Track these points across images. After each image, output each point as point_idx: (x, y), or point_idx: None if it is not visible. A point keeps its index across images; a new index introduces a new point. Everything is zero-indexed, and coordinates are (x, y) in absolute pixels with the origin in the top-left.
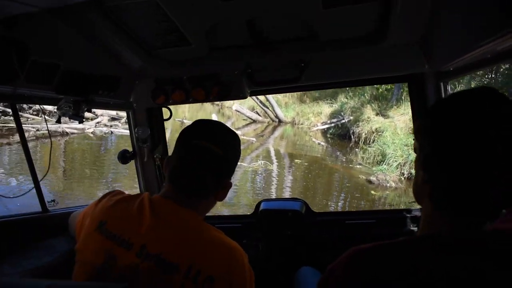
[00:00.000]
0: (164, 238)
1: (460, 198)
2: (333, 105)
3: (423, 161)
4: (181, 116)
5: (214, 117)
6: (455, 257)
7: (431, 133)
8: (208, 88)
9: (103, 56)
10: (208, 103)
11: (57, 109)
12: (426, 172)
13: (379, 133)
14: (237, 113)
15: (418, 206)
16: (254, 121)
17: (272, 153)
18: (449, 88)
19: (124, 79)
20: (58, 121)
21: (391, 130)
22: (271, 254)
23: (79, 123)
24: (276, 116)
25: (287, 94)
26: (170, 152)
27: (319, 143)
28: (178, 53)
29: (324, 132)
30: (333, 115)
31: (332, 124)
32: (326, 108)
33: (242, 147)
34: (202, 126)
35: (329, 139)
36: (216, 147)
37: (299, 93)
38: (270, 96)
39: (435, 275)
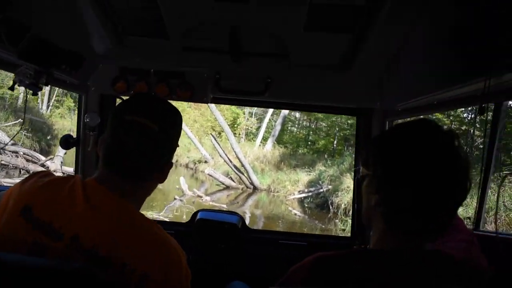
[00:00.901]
0: (98, 230)
1: (410, 217)
2: (311, 173)
3: (377, 184)
4: None
5: (182, 181)
6: (399, 269)
7: (381, 160)
8: (172, 86)
9: (73, 28)
10: (181, 167)
11: (16, 74)
12: (379, 195)
13: None
14: (210, 177)
15: (347, 234)
16: (228, 187)
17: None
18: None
19: (88, 59)
20: (11, 88)
21: None
22: (202, 265)
23: (33, 94)
24: (251, 183)
25: (264, 160)
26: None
27: (295, 214)
28: (150, 44)
29: (301, 201)
30: (310, 183)
31: (310, 193)
32: (303, 176)
33: None
34: (138, 100)
35: (307, 209)
36: (152, 123)
37: (276, 160)
38: (245, 162)
39: (384, 285)
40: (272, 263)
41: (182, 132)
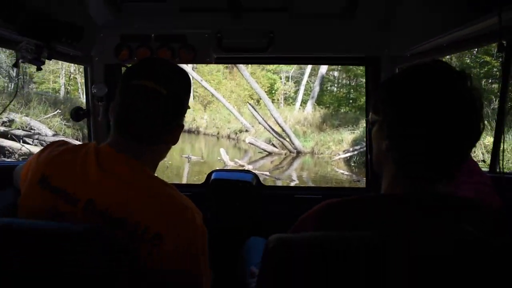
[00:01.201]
0: (111, 192)
1: (424, 161)
2: (355, 131)
3: (387, 129)
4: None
5: (223, 152)
6: (411, 213)
7: (391, 103)
8: (174, 50)
9: (72, 2)
10: (224, 138)
11: (17, 51)
12: (390, 139)
13: None
14: (252, 145)
15: (362, 185)
16: (270, 154)
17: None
18: None
19: (88, 30)
20: (16, 65)
21: None
22: (220, 224)
23: (37, 70)
24: (294, 147)
25: (305, 123)
26: None
27: (342, 173)
28: (148, 9)
29: (347, 161)
30: (355, 142)
31: (355, 152)
32: (347, 135)
33: None
34: (144, 64)
35: (354, 167)
36: (159, 86)
37: (318, 121)
38: (286, 127)
39: (393, 229)
40: (288, 217)
41: (220, 104)
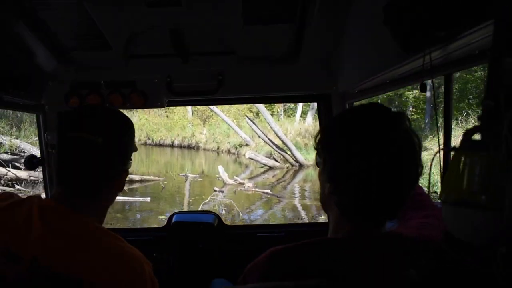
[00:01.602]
0: (55, 248)
1: (363, 205)
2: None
3: (329, 173)
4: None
5: (221, 170)
6: (351, 258)
7: (328, 148)
8: (125, 95)
9: (15, 52)
10: (224, 153)
11: None
12: (332, 183)
13: None
14: (252, 161)
15: (323, 219)
16: (272, 168)
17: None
18: None
19: (36, 79)
20: None
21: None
22: (183, 267)
23: None
24: (296, 160)
25: (306, 135)
26: None
27: None
28: (96, 57)
29: None
30: None
31: None
32: None
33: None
34: (78, 115)
35: None
36: (94, 136)
37: None
38: (287, 140)
39: (338, 274)
40: (251, 257)
41: (219, 118)
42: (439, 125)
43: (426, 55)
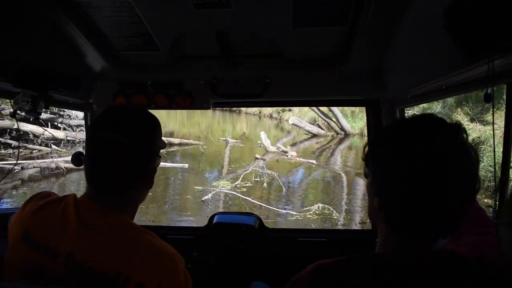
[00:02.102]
0: (90, 244)
1: (412, 222)
2: (409, 111)
3: (377, 187)
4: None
5: (263, 136)
6: (404, 278)
7: (376, 161)
8: (171, 96)
9: (66, 53)
10: (266, 118)
11: (14, 103)
12: (380, 198)
13: (479, 145)
14: (294, 127)
15: (368, 227)
16: (316, 135)
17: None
18: (406, 115)
19: (85, 78)
20: (13, 116)
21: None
22: (223, 268)
23: (36, 119)
24: (342, 128)
25: None
26: None
27: None
28: (144, 57)
29: None
30: None
31: None
32: None
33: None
34: (107, 116)
35: None
36: (122, 137)
37: None
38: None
39: None
40: (291, 261)
41: None
42: (495, 133)
43: (490, 62)
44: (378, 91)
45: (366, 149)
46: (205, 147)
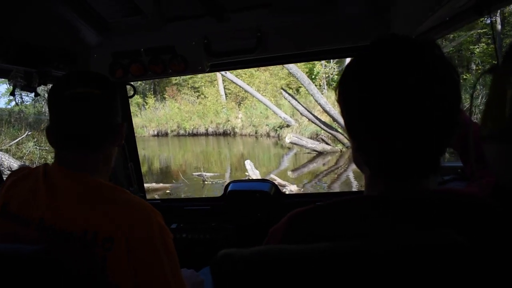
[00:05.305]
0: (58, 207)
1: (391, 161)
2: None
3: (348, 128)
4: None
5: (248, 166)
6: (384, 220)
7: (343, 102)
8: (165, 62)
9: (58, 28)
10: (263, 137)
11: (8, 80)
12: (354, 140)
13: None
14: (294, 146)
15: None
16: (321, 153)
17: None
18: None
19: (81, 52)
20: (12, 94)
21: None
22: (241, 236)
23: (35, 96)
24: None
25: None
26: (136, 131)
27: None
28: (133, 24)
29: None
30: None
31: None
32: None
33: None
34: (70, 76)
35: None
36: (91, 89)
37: None
38: (337, 114)
39: (369, 235)
40: None
41: (254, 99)
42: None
43: None
44: (381, 33)
45: (337, 91)
46: (180, 188)
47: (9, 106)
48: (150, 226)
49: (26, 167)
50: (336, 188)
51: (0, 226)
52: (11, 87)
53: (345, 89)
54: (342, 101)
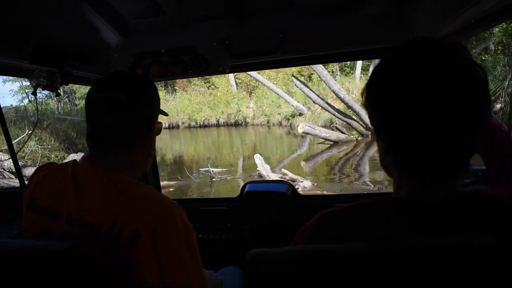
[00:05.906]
0: (86, 201)
1: (418, 158)
2: None
3: (377, 130)
4: None
5: (258, 160)
6: (412, 221)
7: (372, 101)
8: (186, 63)
9: (80, 29)
10: (275, 127)
11: (31, 79)
12: (383, 141)
13: None
14: (307, 135)
15: None
16: (336, 143)
17: None
18: None
19: (102, 52)
20: (34, 93)
21: None
22: (257, 237)
23: (56, 95)
24: (367, 127)
25: None
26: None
27: None
28: (154, 25)
29: None
30: None
31: None
32: None
33: None
34: (104, 79)
35: None
36: (119, 94)
37: None
38: (351, 101)
39: (394, 236)
40: None
41: (265, 88)
42: None
43: None
44: (403, 35)
45: (365, 93)
46: (184, 186)
47: (22, 104)
48: (175, 222)
49: (53, 163)
50: (353, 179)
51: (30, 220)
52: (31, 86)
53: (376, 92)
54: (372, 103)
